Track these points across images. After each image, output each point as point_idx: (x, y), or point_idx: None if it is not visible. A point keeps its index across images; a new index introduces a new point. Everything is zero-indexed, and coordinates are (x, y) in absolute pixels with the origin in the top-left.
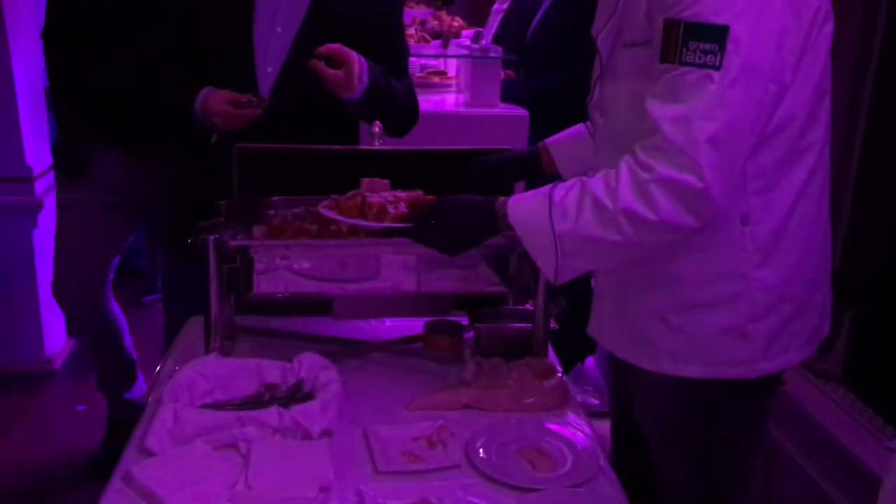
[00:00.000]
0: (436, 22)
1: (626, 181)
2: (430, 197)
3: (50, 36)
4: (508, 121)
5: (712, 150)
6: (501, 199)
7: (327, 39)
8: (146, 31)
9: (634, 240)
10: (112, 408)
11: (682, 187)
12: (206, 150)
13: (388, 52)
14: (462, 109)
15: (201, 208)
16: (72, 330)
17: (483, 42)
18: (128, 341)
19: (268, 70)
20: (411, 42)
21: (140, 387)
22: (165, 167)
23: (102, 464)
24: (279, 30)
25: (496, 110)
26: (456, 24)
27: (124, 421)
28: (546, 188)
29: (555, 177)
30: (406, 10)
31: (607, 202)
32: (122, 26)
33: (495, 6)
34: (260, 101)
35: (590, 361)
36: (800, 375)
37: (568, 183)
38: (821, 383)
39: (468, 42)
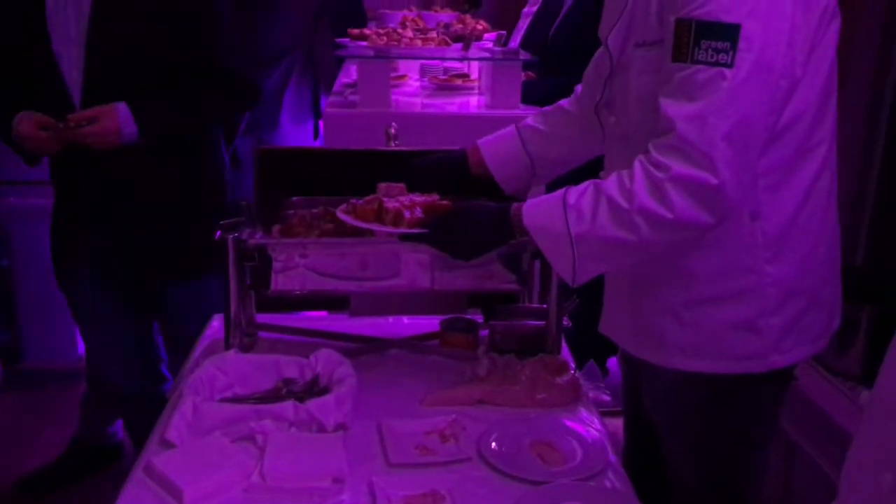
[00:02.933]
0: (460, 25)
1: (640, 181)
2: (445, 202)
3: None
4: None
5: (727, 146)
6: (516, 204)
7: (120, 30)
8: None
9: (651, 239)
10: (83, 432)
11: (697, 185)
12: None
13: (198, 44)
14: (483, 111)
15: None
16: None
17: (511, 45)
18: None
19: (74, 74)
20: (432, 45)
21: (118, 426)
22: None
23: (37, 484)
24: (74, 32)
25: (517, 112)
26: (480, 27)
27: (86, 450)
28: (559, 192)
29: (480, 180)
30: (430, 13)
31: (623, 202)
32: None
33: (525, 9)
34: (60, 125)
35: (612, 361)
36: (818, 374)
37: (581, 186)
38: (839, 382)
39: (490, 45)
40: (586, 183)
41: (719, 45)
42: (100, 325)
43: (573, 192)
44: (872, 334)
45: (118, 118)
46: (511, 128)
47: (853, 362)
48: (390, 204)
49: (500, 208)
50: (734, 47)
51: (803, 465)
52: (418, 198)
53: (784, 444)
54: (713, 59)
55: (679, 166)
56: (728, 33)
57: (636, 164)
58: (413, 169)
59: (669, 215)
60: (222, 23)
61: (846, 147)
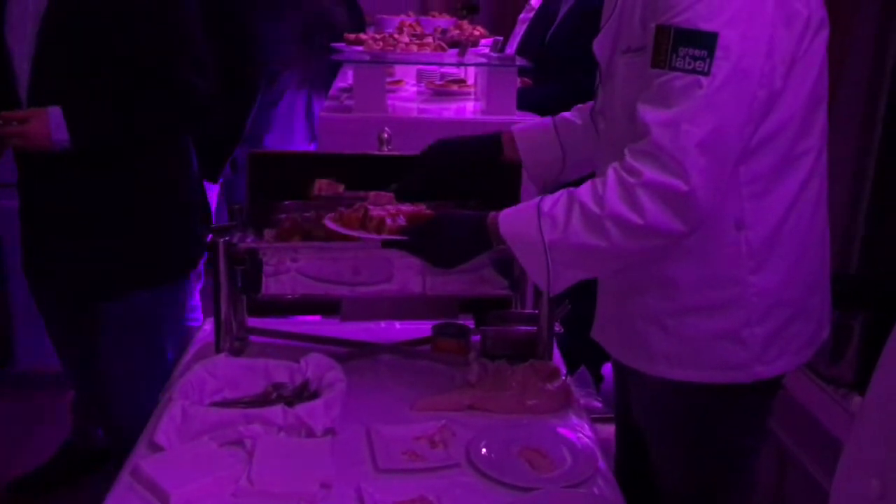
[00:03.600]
0: (457, 31)
1: (612, 186)
2: (429, 212)
3: None
4: None
5: (700, 154)
6: (493, 213)
7: (72, 31)
8: None
9: (623, 245)
10: (74, 434)
11: (667, 191)
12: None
13: (153, 54)
14: (479, 117)
15: None
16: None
17: (507, 51)
18: None
19: (23, 69)
20: (428, 50)
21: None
22: None
23: (31, 486)
24: (29, 28)
25: (512, 118)
26: (477, 32)
27: (77, 452)
28: (535, 200)
29: (512, 166)
30: (429, 19)
31: (595, 208)
32: None
33: (522, 15)
34: None
35: (607, 367)
36: (811, 382)
37: (556, 194)
38: (832, 390)
39: (487, 50)
40: (561, 191)
41: (696, 52)
42: (61, 332)
43: (548, 200)
44: (865, 341)
45: (49, 123)
46: (547, 118)
47: (846, 369)
48: (375, 212)
49: (477, 217)
50: (711, 55)
51: (795, 473)
52: (404, 207)
53: (776, 451)
54: (690, 67)
55: (651, 172)
56: (705, 41)
57: (609, 171)
58: (440, 145)
59: (640, 221)
60: (182, 35)
61: (840, 154)
